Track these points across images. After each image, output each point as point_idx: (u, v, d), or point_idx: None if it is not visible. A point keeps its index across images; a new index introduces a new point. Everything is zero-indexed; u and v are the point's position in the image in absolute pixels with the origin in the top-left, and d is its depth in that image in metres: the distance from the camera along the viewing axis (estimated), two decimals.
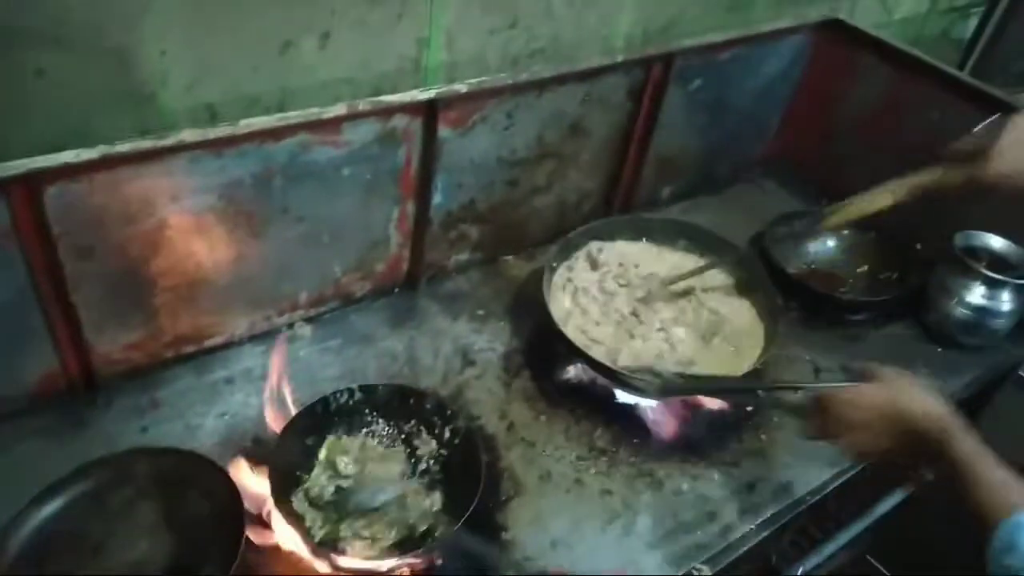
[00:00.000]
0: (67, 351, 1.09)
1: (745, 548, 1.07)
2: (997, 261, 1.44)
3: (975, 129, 1.07)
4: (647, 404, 1.23)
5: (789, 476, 1.17)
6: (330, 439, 1.09)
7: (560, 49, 1.40)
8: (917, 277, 1.50)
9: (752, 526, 1.10)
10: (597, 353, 1.21)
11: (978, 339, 1.44)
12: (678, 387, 1.14)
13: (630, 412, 1.23)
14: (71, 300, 1.03)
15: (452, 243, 1.41)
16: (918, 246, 1.57)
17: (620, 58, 1.38)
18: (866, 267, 1.60)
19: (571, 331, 1.24)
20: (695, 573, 1.02)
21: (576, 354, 1.21)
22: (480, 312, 1.38)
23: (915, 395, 0.92)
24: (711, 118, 1.66)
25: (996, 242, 1.46)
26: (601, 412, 1.22)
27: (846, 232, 1.60)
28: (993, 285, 1.40)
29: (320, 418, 1.10)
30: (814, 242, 1.62)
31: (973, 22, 2.29)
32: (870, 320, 1.48)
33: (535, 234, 1.53)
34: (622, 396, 1.24)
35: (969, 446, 0.86)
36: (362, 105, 1.12)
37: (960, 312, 1.42)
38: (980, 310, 1.41)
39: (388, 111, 1.15)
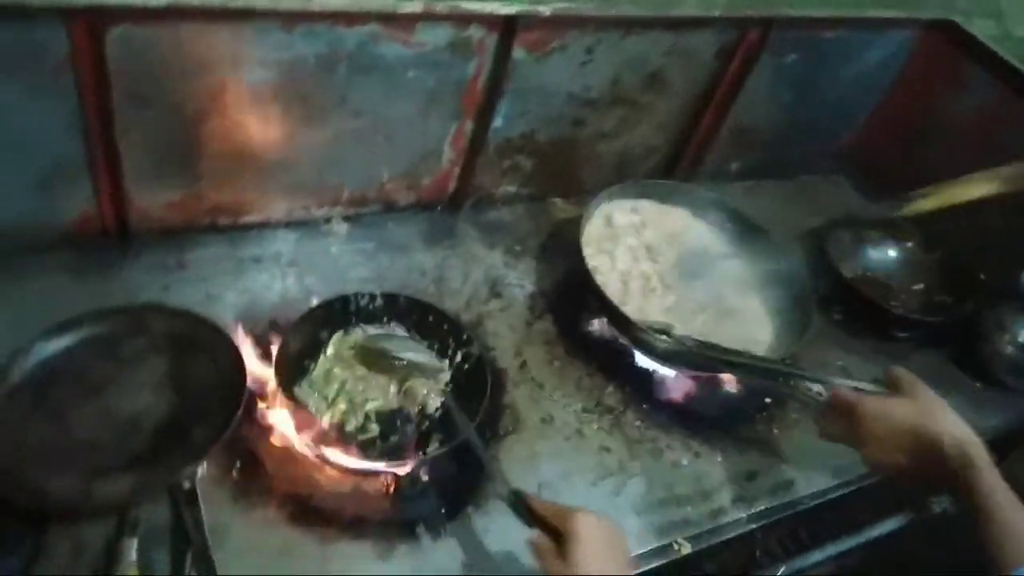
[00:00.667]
0: (105, 196, 1.09)
1: (731, 535, 1.05)
2: None
3: None
4: (664, 372, 1.20)
5: (792, 475, 1.14)
6: (339, 334, 1.08)
7: None
8: (973, 306, 1.43)
9: (743, 515, 1.07)
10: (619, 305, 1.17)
11: (1020, 382, 1.37)
12: (693, 354, 1.10)
13: (645, 377, 1.20)
14: (117, 145, 1.03)
15: (504, 172, 1.38)
16: (982, 276, 1.49)
17: (717, 13, 1.31)
18: (922, 285, 1.52)
19: (600, 282, 1.21)
20: (675, 546, 1.01)
21: (602, 304, 1.18)
22: (517, 247, 1.35)
23: (946, 418, 0.88)
24: (798, 97, 1.59)
25: None
26: (616, 371, 1.20)
27: (910, 244, 1.53)
28: None
29: (338, 314, 1.09)
30: (875, 249, 1.55)
31: None
32: (915, 340, 1.42)
33: (591, 181, 1.48)
34: (640, 359, 1.21)
35: (992, 482, 0.82)
36: (440, 7, 1.08)
37: (1011, 351, 1.35)
38: None
39: (466, 18, 1.11)
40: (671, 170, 1.57)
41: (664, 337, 1.11)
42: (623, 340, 1.21)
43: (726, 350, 1.11)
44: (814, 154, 1.78)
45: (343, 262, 1.23)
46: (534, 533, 0.82)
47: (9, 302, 1.02)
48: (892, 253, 1.55)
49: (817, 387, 1.07)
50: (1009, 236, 1.50)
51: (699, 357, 1.11)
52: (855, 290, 1.41)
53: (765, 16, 1.36)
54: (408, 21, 1.08)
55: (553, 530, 0.80)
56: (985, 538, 0.79)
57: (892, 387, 0.95)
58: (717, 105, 1.48)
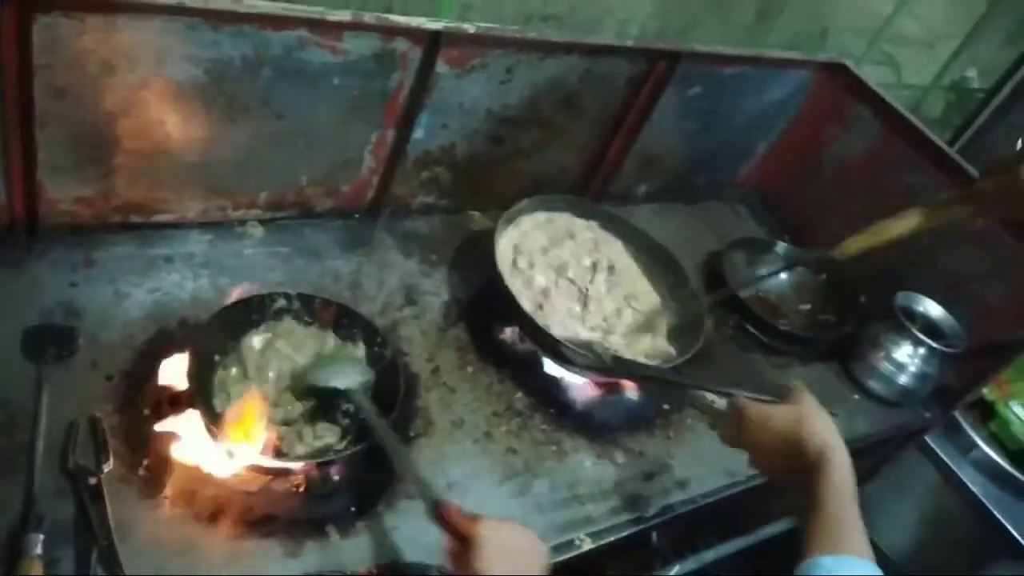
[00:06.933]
0: (16, 187, 1.06)
1: (629, 532, 1.10)
2: (931, 327, 1.50)
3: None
4: (571, 379, 1.26)
5: (687, 475, 1.21)
6: (252, 333, 1.09)
7: (576, 21, 1.41)
8: (853, 326, 1.56)
9: (641, 513, 1.13)
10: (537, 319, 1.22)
11: (894, 394, 1.50)
12: (609, 367, 1.16)
13: (553, 383, 1.26)
14: (34, 136, 1.01)
15: (423, 183, 1.41)
16: (862, 298, 1.63)
17: (628, 43, 1.39)
18: (809, 305, 1.65)
19: (515, 293, 1.25)
20: (576, 542, 1.05)
21: (518, 315, 1.22)
22: (433, 257, 1.39)
23: (817, 423, 0.93)
24: (701, 128, 1.69)
25: (934, 309, 1.52)
26: (526, 377, 1.25)
27: (799, 270, 1.66)
28: (921, 347, 1.46)
29: (251, 313, 1.09)
30: (766, 271, 1.66)
31: (974, 103, 2.36)
32: (801, 354, 1.54)
33: (507, 196, 1.52)
34: (549, 367, 1.27)
35: (837, 482, 0.86)
36: (368, 17, 1.11)
37: (884, 366, 1.48)
38: (903, 368, 1.47)
39: (392, 31, 1.15)
40: (583, 190, 1.64)
41: (584, 352, 1.16)
42: (534, 349, 1.26)
43: (642, 365, 1.18)
44: (717, 183, 1.89)
45: (257, 265, 1.23)
46: (448, 540, 0.85)
47: None
48: (782, 276, 1.67)
49: (712, 396, 1.15)
50: (887, 262, 1.64)
51: (615, 370, 1.16)
52: (748, 308, 1.52)
53: (673, 49, 1.45)
54: (336, 29, 1.11)
55: (463, 537, 0.83)
56: (807, 527, 0.83)
57: (783, 397, 0.99)
58: (627, 130, 1.57)
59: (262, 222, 1.30)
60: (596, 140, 1.56)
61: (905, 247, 1.60)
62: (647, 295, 1.41)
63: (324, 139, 1.24)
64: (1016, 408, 1.77)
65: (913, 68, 2.15)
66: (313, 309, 1.12)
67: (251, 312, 1.09)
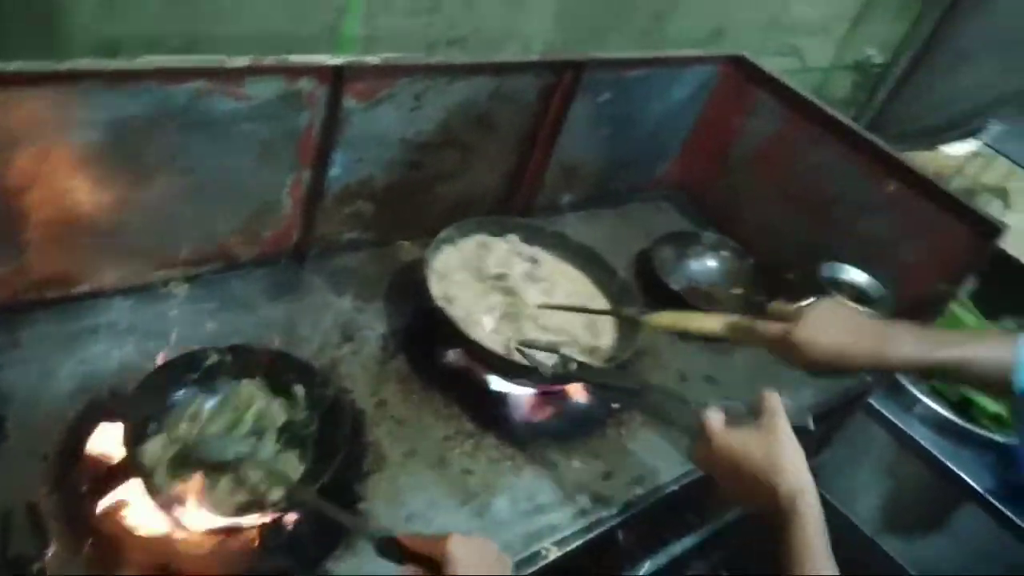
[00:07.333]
0: None
1: (595, 533, 1.11)
2: (858, 293, 1.55)
3: (801, 303, 1.10)
4: (519, 393, 1.26)
5: (644, 470, 1.22)
6: (189, 395, 1.06)
7: (481, 42, 1.43)
8: (785, 301, 1.59)
9: (604, 513, 1.14)
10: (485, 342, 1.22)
11: None
12: (572, 375, 1.14)
13: (501, 400, 1.26)
14: None
15: (346, 219, 1.40)
16: (790, 275, 1.68)
17: (533, 58, 1.42)
18: (741, 289, 1.69)
19: (452, 317, 1.25)
20: (544, 552, 1.05)
21: (456, 336, 1.22)
22: (366, 292, 1.38)
23: (787, 459, 0.89)
24: (616, 133, 1.73)
25: (859, 276, 1.58)
26: (473, 398, 1.24)
27: (726, 254, 1.70)
28: None
29: (183, 374, 1.07)
30: (696, 261, 1.71)
31: (874, 81, 2.47)
32: None
33: (434, 222, 1.51)
34: (496, 384, 1.27)
35: (809, 532, 0.84)
36: (268, 60, 1.11)
37: None
38: None
39: (294, 71, 1.15)
40: (508, 207, 1.65)
41: (546, 364, 1.14)
42: (478, 369, 1.26)
43: (601, 371, 1.20)
44: (639, 184, 1.93)
45: (185, 324, 1.20)
46: (407, 568, 0.83)
47: None
48: (711, 264, 1.71)
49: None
50: (804, 237, 1.70)
51: (571, 377, 1.15)
52: (681, 299, 1.55)
53: (576, 59, 1.49)
54: (237, 75, 1.10)
55: (428, 560, 0.82)
56: None
57: (755, 411, 0.95)
58: (543, 143, 1.59)
59: (186, 279, 1.27)
60: (515, 156, 1.58)
61: (825, 220, 1.69)
62: (585, 299, 1.42)
63: (239, 187, 1.23)
64: None
65: (815, 53, 2.23)
66: (246, 360, 1.10)
67: (181, 372, 1.06)
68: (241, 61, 1.09)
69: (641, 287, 1.60)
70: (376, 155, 1.34)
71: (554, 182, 1.70)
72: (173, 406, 1.05)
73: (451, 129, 1.41)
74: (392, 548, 0.86)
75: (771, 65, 1.81)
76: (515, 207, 1.67)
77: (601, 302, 1.44)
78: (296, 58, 1.14)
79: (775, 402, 0.95)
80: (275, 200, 1.28)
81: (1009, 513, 1.65)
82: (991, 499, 1.67)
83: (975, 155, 2.54)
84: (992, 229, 1.50)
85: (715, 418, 0.95)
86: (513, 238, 1.48)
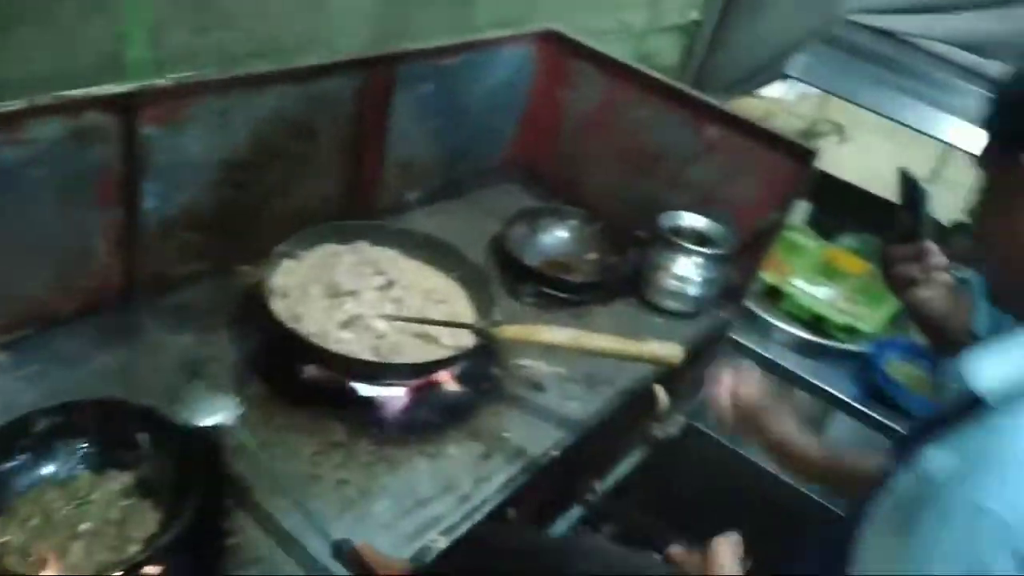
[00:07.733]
0: None
1: (481, 515, 1.09)
2: (701, 237, 1.62)
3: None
4: (387, 394, 1.23)
5: (523, 443, 1.22)
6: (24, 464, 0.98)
7: (283, 50, 1.38)
8: (637, 258, 1.65)
9: (488, 492, 1.13)
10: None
11: (688, 306, 1.61)
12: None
13: (369, 404, 1.22)
14: None
15: (175, 252, 1.33)
16: (639, 232, 1.73)
17: (338, 59, 1.39)
18: (595, 254, 1.73)
19: (303, 332, 1.21)
20: (431, 545, 1.03)
21: (314, 352, 1.19)
22: (208, 323, 1.31)
23: None
24: (446, 123, 1.72)
25: (697, 221, 1.64)
26: (339, 408, 1.20)
27: (575, 222, 1.74)
28: (696, 257, 1.58)
29: (11, 443, 0.98)
30: (547, 234, 1.73)
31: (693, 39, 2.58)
32: (598, 299, 1.60)
33: (275, 240, 1.46)
34: (364, 390, 1.23)
35: None
36: (42, 99, 1.03)
37: (670, 283, 1.58)
38: (685, 280, 1.58)
39: (77, 106, 1.07)
40: (353, 213, 1.61)
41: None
42: (339, 379, 1.22)
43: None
44: (481, 170, 1.93)
45: (7, 393, 1.10)
46: None
47: None
48: (561, 234, 1.74)
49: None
50: (642, 193, 1.75)
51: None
52: (538, 273, 1.56)
53: (385, 54, 1.47)
54: (13, 120, 1.02)
55: None
56: None
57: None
58: (373, 143, 1.57)
59: (3, 347, 1.17)
60: (346, 161, 1.55)
61: (658, 173, 1.75)
62: (442, 287, 1.41)
63: (43, 240, 1.14)
64: (797, 283, 1.96)
65: (636, 19, 2.31)
66: (78, 417, 1.02)
67: (9, 442, 0.98)
68: (13, 105, 1.01)
69: (499, 269, 1.60)
70: (192, 181, 1.28)
71: (394, 181, 1.68)
72: (7, 482, 0.96)
73: (268, 142, 1.36)
74: (354, 558, 0.86)
75: (594, 35, 1.86)
76: (359, 212, 1.63)
77: (458, 292, 1.43)
78: (73, 93, 1.06)
79: (719, 549, 0.96)
80: (87, 246, 1.20)
81: (875, 415, 1.76)
82: (857, 405, 1.78)
83: (804, 97, 2.71)
84: (807, 154, 1.59)
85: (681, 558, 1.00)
86: (361, 244, 1.44)
